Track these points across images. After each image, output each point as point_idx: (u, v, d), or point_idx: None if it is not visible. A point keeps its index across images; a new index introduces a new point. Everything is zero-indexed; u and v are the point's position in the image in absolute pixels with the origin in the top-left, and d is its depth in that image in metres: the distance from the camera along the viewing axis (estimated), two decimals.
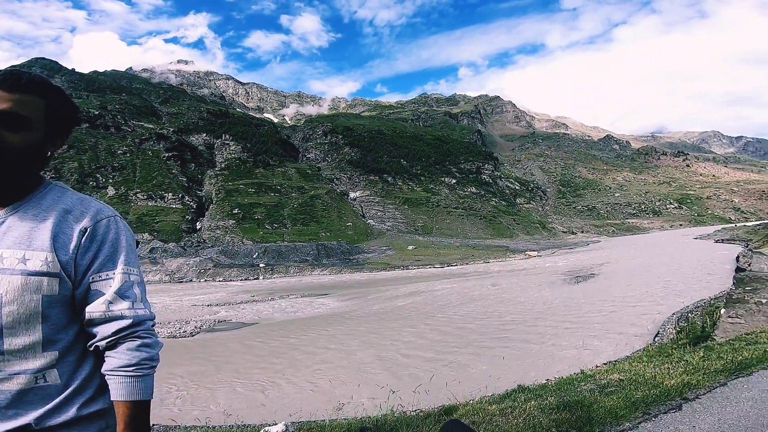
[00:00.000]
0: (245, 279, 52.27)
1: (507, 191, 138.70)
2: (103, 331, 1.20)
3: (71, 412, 1.17)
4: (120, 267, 1.24)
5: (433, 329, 21.22)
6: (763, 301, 7.94)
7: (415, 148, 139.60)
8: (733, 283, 8.37)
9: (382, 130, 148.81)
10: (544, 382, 6.55)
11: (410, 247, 74.36)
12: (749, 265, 25.53)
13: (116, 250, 1.24)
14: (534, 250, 73.35)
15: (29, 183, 1.22)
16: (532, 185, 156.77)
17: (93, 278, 1.21)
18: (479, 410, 4.04)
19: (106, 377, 1.20)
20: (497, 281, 39.30)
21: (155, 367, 1.24)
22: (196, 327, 23.82)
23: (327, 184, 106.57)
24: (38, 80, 1.16)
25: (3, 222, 1.16)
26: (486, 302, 28.39)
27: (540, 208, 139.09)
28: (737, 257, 38.85)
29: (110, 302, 1.21)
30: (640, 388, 4.16)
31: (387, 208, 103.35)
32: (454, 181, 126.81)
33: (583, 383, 5.05)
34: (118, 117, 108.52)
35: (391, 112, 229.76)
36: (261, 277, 53.37)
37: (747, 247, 51.49)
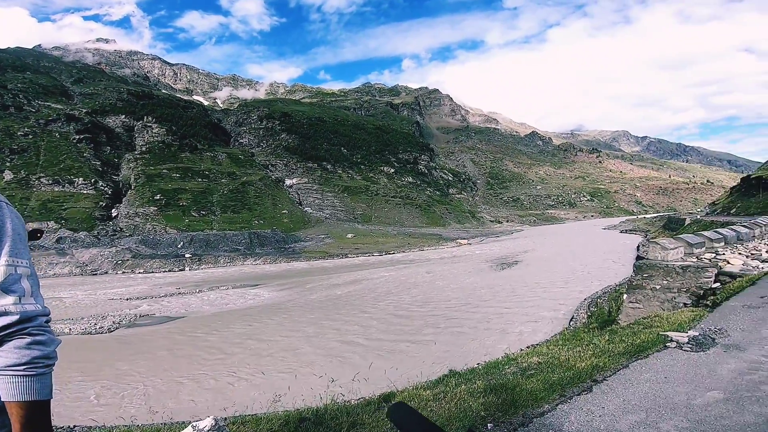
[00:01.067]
0: (169, 270, 49.02)
1: (441, 182, 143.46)
2: None
3: None
4: (3, 258, 1.12)
5: (371, 317, 21.55)
6: (657, 287, 9.12)
7: (356, 136, 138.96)
8: (633, 270, 9.52)
9: (323, 118, 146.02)
10: (474, 366, 6.98)
11: (349, 236, 74.37)
12: (647, 254, 28.89)
13: None
14: (464, 239, 76.97)
15: None
16: (464, 176, 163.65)
17: None
18: (414, 396, 4.17)
19: None
20: (432, 269, 40.75)
21: (52, 365, 1.15)
22: (114, 322, 22.07)
23: (261, 171, 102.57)
24: None
25: None
26: (422, 289, 29.36)
27: (470, 198, 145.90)
28: (638, 246, 43.92)
29: None
30: (556, 371, 4.57)
31: (326, 195, 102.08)
32: (392, 170, 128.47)
33: (507, 366, 5.42)
34: (20, 96, 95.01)
35: (333, 99, 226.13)
36: (187, 269, 50.35)
37: (646, 237, 58.37)
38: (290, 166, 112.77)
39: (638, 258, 31.60)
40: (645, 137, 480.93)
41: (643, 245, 40.06)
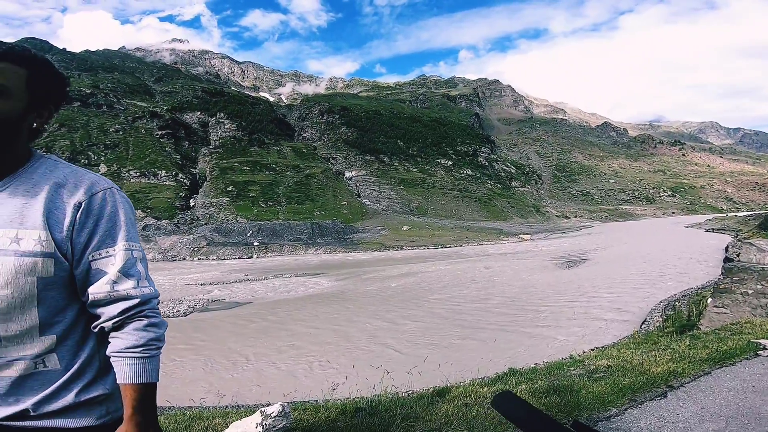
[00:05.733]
0: (239, 257, 52.31)
1: (503, 174, 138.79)
2: (109, 312, 1.13)
3: (69, 398, 1.12)
4: (121, 243, 1.15)
5: (426, 311, 21.51)
6: (750, 292, 8.14)
7: (412, 129, 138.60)
8: (721, 273, 8.57)
9: (380, 111, 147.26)
10: (536, 365, 6.73)
11: (405, 228, 74.62)
12: (738, 256, 25.97)
13: (115, 224, 1.15)
14: (527, 234, 73.95)
15: (17, 156, 1.12)
16: (527, 169, 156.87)
17: (93, 256, 1.12)
18: (471, 392, 4.11)
19: (112, 359, 1.14)
20: (490, 264, 39.71)
21: (161, 347, 1.19)
22: (189, 306, 23.69)
23: (323, 163, 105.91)
24: (19, 50, 1.08)
25: None
26: (480, 285, 28.75)
27: (535, 192, 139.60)
28: (726, 247, 39.45)
29: (114, 282, 1.13)
30: (627, 375, 4.29)
31: (382, 188, 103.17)
32: (450, 162, 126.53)
33: (572, 368, 5.17)
34: (111, 95, 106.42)
35: (389, 93, 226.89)
36: (255, 256, 53.44)
37: (737, 237, 52.26)
38: (349, 158, 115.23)
39: (727, 260, 28.43)
40: (738, 129, 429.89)
41: (733, 246, 35.95)
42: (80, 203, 1.11)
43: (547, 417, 0.85)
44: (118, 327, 1.14)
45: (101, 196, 1.14)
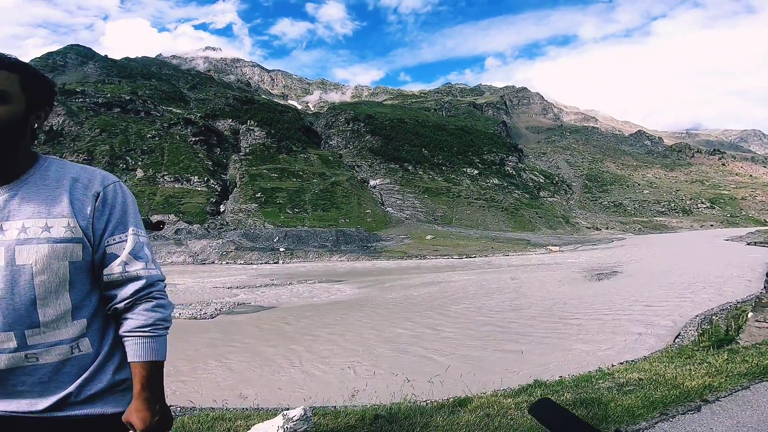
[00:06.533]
0: (265, 262, 53.27)
1: (531, 184, 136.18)
2: (122, 293, 1.23)
3: (107, 378, 1.21)
4: (131, 229, 1.27)
5: (449, 320, 21.25)
6: None
7: (437, 137, 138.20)
8: (764, 287, 8.10)
9: (404, 119, 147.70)
10: (561, 378, 6.53)
11: (428, 237, 74.18)
12: None
13: (125, 213, 1.27)
14: (556, 245, 72.09)
15: (26, 156, 1.22)
16: (557, 179, 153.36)
17: (107, 242, 1.23)
18: (494, 403, 4.03)
19: (123, 339, 1.23)
20: (516, 275, 38.90)
21: (169, 327, 1.28)
22: (216, 309, 24.08)
23: (348, 171, 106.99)
24: (5, 57, 1.18)
25: (15, 195, 1.16)
26: (505, 296, 28.19)
27: (564, 203, 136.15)
28: None
29: (126, 263, 1.23)
30: (659, 388, 4.12)
31: (406, 196, 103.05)
32: (476, 171, 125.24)
33: (600, 381, 5.01)
34: (148, 102, 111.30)
35: (414, 101, 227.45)
36: (281, 261, 54.31)
37: None
38: (374, 167, 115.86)
39: None
40: None
41: None
42: (98, 193, 1.24)
43: (587, 425, 0.81)
44: (129, 308, 1.23)
45: (112, 188, 1.27)
